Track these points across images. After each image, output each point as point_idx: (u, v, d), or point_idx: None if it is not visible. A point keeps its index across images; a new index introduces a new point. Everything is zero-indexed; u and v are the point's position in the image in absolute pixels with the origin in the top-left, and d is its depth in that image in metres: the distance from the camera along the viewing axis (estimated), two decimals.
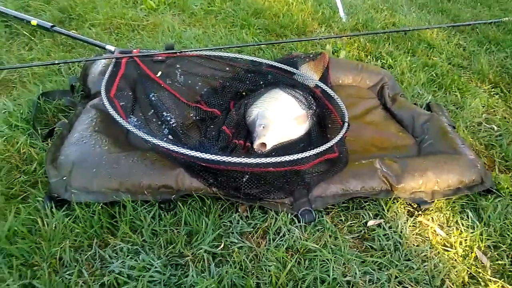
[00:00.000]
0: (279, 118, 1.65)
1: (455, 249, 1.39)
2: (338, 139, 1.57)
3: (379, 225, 1.43)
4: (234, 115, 1.70)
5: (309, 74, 2.01)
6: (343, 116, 1.72)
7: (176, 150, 1.38)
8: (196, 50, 2.03)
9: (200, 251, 1.27)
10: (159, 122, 1.66)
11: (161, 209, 1.39)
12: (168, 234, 1.32)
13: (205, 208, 1.41)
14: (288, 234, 1.35)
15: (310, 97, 1.82)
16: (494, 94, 2.34)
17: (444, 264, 1.32)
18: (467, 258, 1.37)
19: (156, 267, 1.21)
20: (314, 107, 1.77)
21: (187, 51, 2.00)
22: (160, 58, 1.96)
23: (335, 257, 1.30)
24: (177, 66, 1.96)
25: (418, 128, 1.84)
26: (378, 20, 3.05)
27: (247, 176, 1.41)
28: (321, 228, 1.40)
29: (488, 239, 1.44)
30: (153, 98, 1.74)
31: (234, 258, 1.27)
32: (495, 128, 2.00)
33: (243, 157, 1.38)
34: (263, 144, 1.54)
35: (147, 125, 1.63)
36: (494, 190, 1.60)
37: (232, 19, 2.83)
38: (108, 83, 1.74)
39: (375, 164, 1.53)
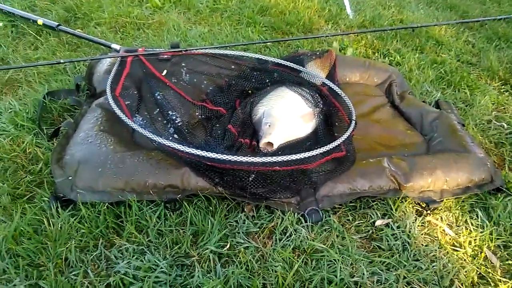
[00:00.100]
0: (285, 117, 1.64)
1: (464, 249, 1.37)
2: (345, 137, 1.55)
3: (387, 225, 1.42)
4: (240, 113, 1.69)
5: (316, 72, 1.99)
6: (350, 114, 1.70)
7: (182, 149, 1.37)
8: (201, 48, 2.02)
9: (206, 251, 1.26)
10: (165, 121, 1.66)
11: (167, 209, 1.38)
12: (173, 234, 1.31)
13: (211, 208, 1.40)
14: (295, 234, 1.34)
15: (317, 95, 1.80)
16: (504, 91, 2.31)
17: (453, 264, 1.30)
18: (476, 258, 1.35)
19: (162, 268, 1.20)
20: (321, 105, 1.76)
21: (192, 50, 1.99)
22: (165, 56, 1.95)
23: (342, 257, 1.28)
24: (183, 64, 1.96)
25: (426, 126, 1.82)
26: (386, 17, 3.02)
27: (253, 175, 1.40)
28: (328, 228, 1.38)
29: (498, 239, 1.41)
30: (158, 97, 1.73)
31: (240, 258, 1.26)
32: (505, 125, 1.97)
33: (249, 156, 1.37)
34: (270, 144, 1.53)
35: (152, 124, 1.62)
36: (504, 189, 1.57)
37: (238, 17, 2.82)
38: (113, 82, 1.73)
39: (383, 163, 1.52)
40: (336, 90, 1.85)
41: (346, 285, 1.21)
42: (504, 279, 1.29)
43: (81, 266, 1.20)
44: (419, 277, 1.25)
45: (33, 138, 1.60)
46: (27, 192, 1.42)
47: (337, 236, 1.36)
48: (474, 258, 1.35)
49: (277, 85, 1.86)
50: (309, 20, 2.83)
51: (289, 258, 1.27)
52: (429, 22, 3.04)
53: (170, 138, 1.51)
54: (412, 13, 3.19)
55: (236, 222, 1.37)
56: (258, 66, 1.99)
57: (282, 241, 1.32)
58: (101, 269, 1.21)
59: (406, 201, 1.49)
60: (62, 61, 1.80)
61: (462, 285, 1.26)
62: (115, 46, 2.03)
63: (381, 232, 1.39)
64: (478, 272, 1.30)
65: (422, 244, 1.37)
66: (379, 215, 1.45)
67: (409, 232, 1.39)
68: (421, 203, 1.51)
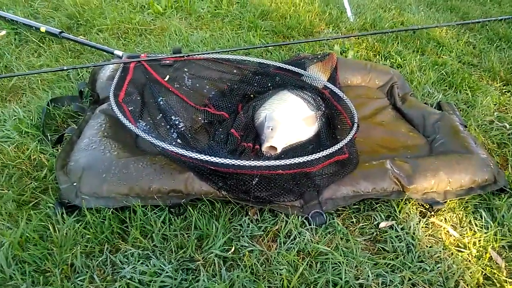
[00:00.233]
0: (287, 120, 1.65)
1: (469, 250, 1.37)
2: (348, 140, 1.55)
3: (391, 227, 1.42)
4: (243, 117, 1.70)
5: (318, 75, 1.99)
6: (352, 117, 1.71)
7: (185, 154, 1.37)
8: (203, 53, 2.03)
9: (211, 255, 1.27)
10: (168, 126, 1.66)
11: (171, 213, 1.39)
12: (178, 239, 1.31)
13: (215, 212, 1.41)
14: (299, 237, 1.34)
15: (319, 98, 1.81)
16: (505, 91, 2.31)
17: (458, 266, 1.30)
18: (481, 259, 1.35)
19: (167, 272, 1.21)
20: (323, 108, 1.76)
21: (194, 55, 2.00)
22: (167, 62, 1.96)
23: (347, 260, 1.28)
24: (185, 69, 1.97)
25: (429, 128, 1.82)
26: (386, 19, 3.03)
27: (257, 179, 1.40)
28: (332, 231, 1.38)
29: (502, 239, 1.41)
30: (161, 102, 1.74)
31: (245, 262, 1.26)
32: (507, 126, 1.97)
33: (252, 160, 1.38)
34: (273, 148, 1.54)
35: (155, 129, 1.63)
36: (507, 189, 1.57)
37: (239, 22, 2.83)
38: (116, 88, 1.74)
39: (386, 165, 1.52)
40: (338, 93, 1.85)
41: (351, 287, 1.22)
42: (510, 280, 1.29)
43: (87, 272, 1.21)
44: (424, 278, 1.26)
45: (38, 145, 1.61)
46: (32, 198, 1.43)
47: (341, 238, 1.36)
48: (479, 259, 1.34)
49: (279, 89, 1.87)
50: (310, 24, 2.84)
51: (294, 261, 1.27)
52: (430, 24, 3.04)
53: (174, 143, 1.52)
54: (412, 15, 3.20)
55: (240, 226, 1.38)
56: (260, 70, 2.00)
57: (286, 244, 1.33)
58: (107, 274, 1.21)
59: (409, 202, 1.49)
60: (65, 68, 1.82)
61: (467, 286, 1.25)
62: (117, 52, 2.04)
63: (385, 234, 1.39)
64: (483, 273, 1.30)
65: (427, 246, 1.37)
66: (383, 217, 1.45)
67: (413, 233, 1.39)
68: (424, 205, 1.51)
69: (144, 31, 2.61)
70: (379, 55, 2.57)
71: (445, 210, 1.50)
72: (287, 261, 1.27)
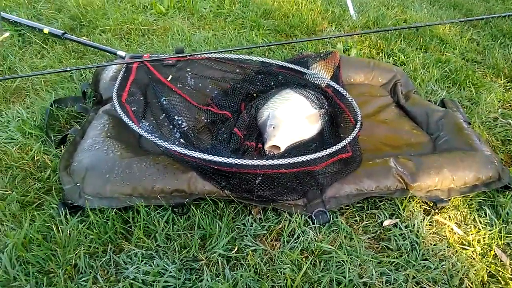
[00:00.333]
0: (290, 118, 1.64)
1: (473, 247, 1.36)
2: (351, 138, 1.55)
3: (395, 225, 1.41)
4: (245, 117, 1.70)
5: (320, 73, 1.99)
6: (355, 115, 1.70)
7: (188, 153, 1.37)
8: (206, 53, 2.03)
9: (214, 254, 1.27)
10: (171, 126, 1.66)
11: (174, 213, 1.39)
12: (181, 238, 1.32)
13: (218, 211, 1.41)
14: (303, 236, 1.34)
15: (322, 97, 1.80)
16: (509, 88, 2.30)
17: (462, 263, 1.30)
18: (486, 256, 1.34)
19: (170, 272, 1.21)
20: (326, 107, 1.76)
21: (197, 54, 2.00)
22: (170, 62, 1.96)
23: (350, 258, 1.28)
24: (188, 69, 1.97)
25: (432, 125, 1.81)
26: (389, 17, 3.02)
27: (260, 178, 1.40)
28: (336, 229, 1.38)
29: (507, 237, 1.41)
30: (164, 102, 1.74)
31: (248, 261, 1.26)
32: None
33: (255, 159, 1.38)
34: (276, 147, 1.53)
35: (158, 129, 1.63)
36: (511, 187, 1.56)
37: (242, 21, 2.83)
38: (119, 89, 1.74)
39: (389, 163, 1.51)
40: (341, 91, 1.85)
41: (355, 286, 1.21)
42: None
43: (90, 272, 1.21)
44: (428, 276, 1.25)
45: (41, 146, 1.61)
46: (35, 199, 1.43)
47: (345, 237, 1.36)
48: (484, 257, 1.34)
49: (281, 87, 1.87)
50: (312, 22, 2.83)
51: (297, 260, 1.27)
52: (433, 21, 3.02)
53: (177, 142, 1.52)
54: (415, 13, 3.18)
55: (244, 225, 1.38)
56: (262, 69, 1.99)
57: (290, 243, 1.33)
58: (110, 275, 1.22)
59: (413, 200, 1.48)
60: (68, 68, 1.82)
61: (472, 284, 1.25)
62: (120, 53, 2.05)
63: (389, 232, 1.39)
64: (488, 271, 1.30)
65: (431, 244, 1.36)
66: (386, 215, 1.44)
67: (417, 231, 1.39)
68: (428, 203, 1.50)
69: (146, 32, 2.61)
70: (382, 52, 2.56)
71: (449, 207, 1.49)
72: (290, 260, 1.27)
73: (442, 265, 1.29)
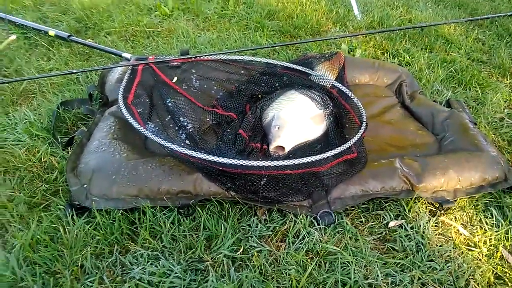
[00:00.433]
0: (295, 119, 1.64)
1: (480, 248, 1.36)
2: (356, 139, 1.55)
3: (400, 226, 1.41)
4: (250, 118, 1.70)
5: (325, 74, 1.99)
6: (360, 116, 1.70)
7: (194, 155, 1.38)
8: (211, 55, 2.03)
9: (220, 255, 1.27)
10: (176, 128, 1.67)
11: (180, 214, 1.39)
12: (187, 239, 1.32)
13: (223, 213, 1.41)
14: (308, 237, 1.34)
15: (327, 97, 1.80)
16: None
17: (468, 264, 1.29)
18: (492, 257, 1.33)
19: (176, 273, 1.22)
20: (331, 107, 1.76)
21: (202, 56, 2.00)
22: (175, 63, 1.97)
23: (356, 260, 1.28)
24: (193, 71, 1.98)
25: (438, 126, 1.81)
26: (394, 17, 3.01)
27: (265, 179, 1.40)
28: (341, 230, 1.38)
29: None
30: (169, 104, 1.75)
31: (253, 262, 1.26)
32: None
33: (260, 160, 1.38)
34: (281, 147, 1.54)
35: (164, 131, 1.64)
36: None
37: (246, 22, 2.83)
38: (125, 91, 1.75)
39: (395, 164, 1.51)
40: (346, 92, 1.85)
41: (361, 287, 1.21)
42: None
43: (96, 273, 1.22)
44: (434, 278, 1.25)
45: (48, 148, 1.63)
46: (43, 200, 1.44)
47: (350, 238, 1.36)
48: (490, 258, 1.33)
49: (286, 88, 1.87)
50: (317, 23, 2.83)
51: (303, 261, 1.27)
52: (438, 21, 3.02)
53: (182, 144, 1.52)
54: (420, 12, 3.17)
55: (249, 226, 1.38)
56: (267, 71, 2.00)
57: (295, 244, 1.33)
58: (116, 275, 1.22)
59: (419, 201, 1.48)
60: (74, 71, 1.83)
61: (478, 286, 1.24)
62: (126, 55, 2.06)
63: (394, 233, 1.39)
64: (494, 272, 1.29)
65: (437, 245, 1.36)
66: (392, 216, 1.44)
67: (423, 232, 1.38)
68: (434, 203, 1.50)
69: (151, 33, 2.63)
70: (387, 53, 2.56)
71: (455, 208, 1.49)
72: (295, 261, 1.27)
73: (448, 267, 1.29)
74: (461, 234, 1.41)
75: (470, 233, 1.41)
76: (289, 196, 1.42)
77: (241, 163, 1.35)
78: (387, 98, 2.04)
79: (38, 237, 1.29)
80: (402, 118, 1.92)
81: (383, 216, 1.44)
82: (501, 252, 1.34)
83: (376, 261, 1.28)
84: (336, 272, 1.24)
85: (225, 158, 1.35)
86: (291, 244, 1.33)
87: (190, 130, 1.63)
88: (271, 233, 1.36)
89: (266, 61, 2.03)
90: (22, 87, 2.03)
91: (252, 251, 1.30)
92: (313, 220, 1.40)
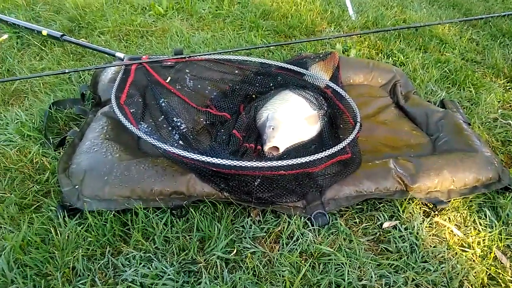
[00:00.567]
0: (289, 119, 1.64)
1: (473, 249, 1.36)
2: (351, 139, 1.54)
3: (394, 227, 1.41)
4: (244, 118, 1.69)
5: (320, 74, 1.98)
6: (355, 116, 1.70)
7: (187, 155, 1.37)
8: (205, 54, 2.02)
9: (213, 257, 1.26)
10: (170, 128, 1.66)
11: (173, 215, 1.38)
12: (180, 241, 1.31)
13: (217, 214, 1.40)
14: (302, 238, 1.34)
15: (321, 98, 1.80)
16: (509, 88, 2.29)
17: (462, 265, 1.29)
18: (486, 258, 1.33)
19: (169, 275, 1.21)
20: (325, 108, 1.75)
21: (195, 56, 1.99)
22: (169, 63, 1.96)
23: (350, 261, 1.28)
24: (186, 71, 1.97)
25: (432, 126, 1.81)
26: (388, 17, 3.01)
27: (259, 180, 1.39)
28: (335, 231, 1.37)
29: (507, 239, 1.40)
30: (163, 104, 1.74)
31: (247, 263, 1.25)
32: None
33: (254, 161, 1.37)
34: (275, 148, 1.53)
35: (157, 131, 1.63)
36: None
37: (241, 22, 2.82)
38: (118, 90, 1.74)
39: (389, 164, 1.51)
40: (340, 92, 1.84)
41: None
42: None
43: (88, 275, 1.20)
44: (427, 279, 1.25)
45: (40, 148, 1.61)
46: (34, 201, 1.43)
47: (344, 239, 1.35)
48: (484, 259, 1.33)
49: (280, 88, 1.86)
50: (311, 23, 2.82)
51: (296, 263, 1.26)
52: (432, 21, 3.02)
53: (175, 144, 1.51)
54: (414, 13, 3.18)
55: (243, 227, 1.37)
56: (261, 70, 1.99)
57: (289, 245, 1.32)
58: (108, 277, 1.21)
59: (413, 202, 1.48)
60: (67, 70, 1.81)
61: (471, 286, 1.24)
62: (119, 54, 2.04)
63: (388, 234, 1.38)
64: (488, 273, 1.29)
65: (430, 246, 1.36)
66: (386, 217, 1.44)
67: (417, 233, 1.38)
68: (428, 204, 1.50)
69: (145, 33, 2.61)
70: (381, 53, 2.56)
71: (449, 209, 1.49)
72: (289, 263, 1.26)
73: (442, 268, 1.28)
74: (455, 235, 1.41)
75: (464, 234, 1.41)
76: (283, 197, 1.41)
77: (235, 163, 1.34)
78: (381, 98, 2.04)
79: (29, 238, 1.27)
80: (396, 118, 1.92)
81: (377, 217, 1.44)
82: (494, 253, 1.34)
83: (370, 262, 1.28)
84: (330, 274, 1.24)
85: (219, 159, 1.34)
86: (285, 246, 1.32)
87: (184, 131, 1.62)
88: (264, 234, 1.36)
89: (260, 61, 2.02)
90: (14, 87, 2.01)
91: (246, 252, 1.29)
92: (307, 221, 1.40)
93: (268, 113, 1.68)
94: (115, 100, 1.66)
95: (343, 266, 1.26)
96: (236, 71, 2.00)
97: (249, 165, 1.35)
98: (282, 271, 1.24)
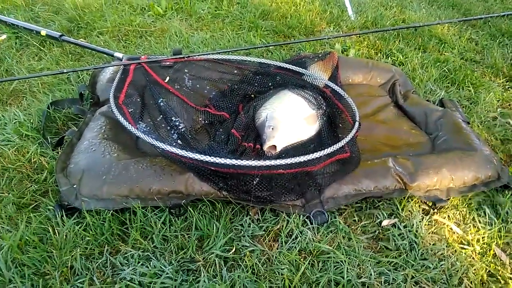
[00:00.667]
0: (288, 119, 1.64)
1: (473, 246, 1.36)
2: (349, 138, 1.54)
3: (393, 225, 1.40)
4: (243, 117, 1.69)
5: (319, 74, 1.98)
6: (354, 115, 1.69)
7: (186, 155, 1.37)
8: (203, 54, 2.02)
9: (212, 255, 1.26)
10: (168, 127, 1.66)
11: (172, 214, 1.38)
12: (179, 240, 1.31)
13: (215, 212, 1.40)
14: (301, 236, 1.33)
15: (320, 97, 1.80)
16: (508, 88, 2.29)
17: (461, 263, 1.29)
18: (485, 255, 1.33)
19: (167, 273, 1.20)
20: (324, 107, 1.75)
21: (194, 56, 1.99)
22: (168, 63, 1.96)
23: (349, 259, 1.27)
24: (185, 70, 1.96)
25: (431, 125, 1.80)
26: (388, 17, 3.01)
27: (258, 179, 1.39)
28: (334, 229, 1.37)
29: (506, 236, 1.40)
30: (161, 104, 1.74)
31: (246, 262, 1.25)
32: (511, 122, 1.95)
33: (253, 160, 1.37)
34: (273, 147, 1.53)
35: (156, 130, 1.63)
36: (511, 186, 1.55)
37: (240, 22, 2.82)
38: (116, 90, 1.74)
39: (388, 163, 1.51)
40: (339, 92, 1.84)
41: (354, 286, 1.21)
42: None
43: (86, 274, 1.20)
44: (427, 276, 1.24)
45: (38, 148, 1.61)
46: (32, 201, 1.42)
47: (343, 237, 1.35)
48: (483, 256, 1.33)
49: (279, 88, 1.86)
50: (310, 23, 2.82)
51: (295, 261, 1.26)
52: (431, 21, 3.02)
53: (174, 144, 1.51)
54: (414, 13, 3.18)
55: (241, 226, 1.37)
56: (260, 70, 1.99)
57: (288, 243, 1.32)
58: (106, 276, 1.21)
59: (412, 200, 1.47)
60: (65, 70, 1.81)
61: (471, 284, 1.24)
62: (118, 54, 2.04)
63: (387, 232, 1.38)
64: (487, 270, 1.29)
65: (430, 243, 1.35)
66: (385, 215, 1.43)
67: (416, 231, 1.38)
68: (427, 202, 1.49)
69: (144, 33, 2.61)
70: (380, 53, 2.55)
71: (448, 207, 1.48)
72: (288, 261, 1.26)
73: (441, 265, 1.28)
74: (454, 233, 1.41)
75: (463, 232, 1.41)
76: (282, 195, 1.41)
77: (234, 162, 1.34)
78: (380, 97, 2.04)
79: (27, 238, 1.27)
80: (395, 117, 1.92)
81: (376, 215, 1.44)
82: (494, 250, 1.34)
83: (369, 260, 1.28)
84: (329, 271, 1.23)
85: (217, 158, 1.34)
86: (284, 244, 1.32)
87: (182, 130, 1.62)
88: (263, 232, 1.35)
89: (259, 61, 2.02)
90: (12, 87, 2.01)
91: (245, 251, 1.29)
92: (306, 220, 1.39)
93: (267, 112, 1.68)
94: (113, 100, 1.66)
95: (342, 264, 1.25)
96: (235, 71, 2.00)
97: (247, 164, 1.35)
98: (281, 269, 1.23)
